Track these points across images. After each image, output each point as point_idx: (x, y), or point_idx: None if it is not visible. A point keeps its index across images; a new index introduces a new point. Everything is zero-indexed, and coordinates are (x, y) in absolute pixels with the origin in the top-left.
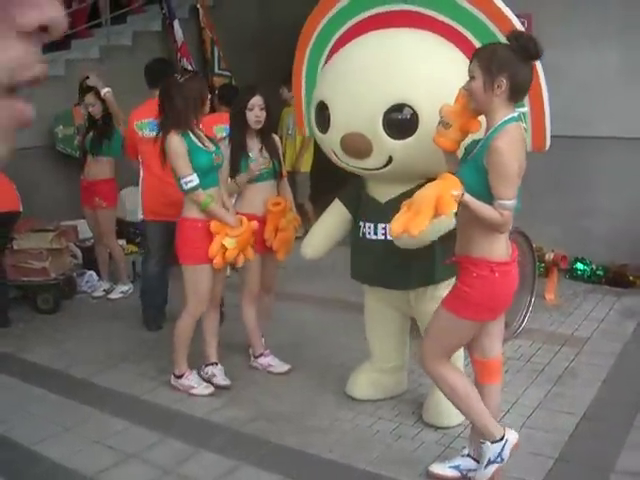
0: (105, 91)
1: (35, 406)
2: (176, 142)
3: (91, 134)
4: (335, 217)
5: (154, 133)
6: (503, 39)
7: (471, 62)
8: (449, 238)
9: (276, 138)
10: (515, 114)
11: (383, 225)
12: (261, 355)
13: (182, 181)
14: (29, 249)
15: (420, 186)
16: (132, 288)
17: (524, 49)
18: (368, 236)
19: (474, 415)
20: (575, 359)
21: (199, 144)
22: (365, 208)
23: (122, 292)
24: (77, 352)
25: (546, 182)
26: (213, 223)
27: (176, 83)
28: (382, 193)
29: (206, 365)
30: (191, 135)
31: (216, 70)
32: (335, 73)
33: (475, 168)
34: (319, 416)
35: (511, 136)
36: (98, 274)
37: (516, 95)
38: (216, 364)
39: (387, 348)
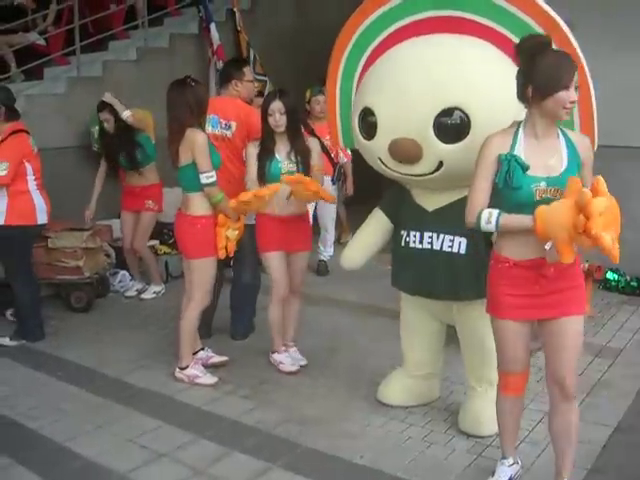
0: (127, 115)
1: (68, 404)
2: (203, 138)
3: (122, 154)
4: (375, 227)
5: (216, 129)
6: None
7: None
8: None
9: (313, 142)
10: None
11: (429, 234)
12: (276, 352)
13: (204, 175)
14: (63, 248)
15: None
16: (164, 289)
17: None
18: (413, 245)
19: None
20: (609, 370)
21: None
22: (409, 216)
23: (155, 292)
24: (110, 351)
25: None
26: (220, 216)
27: (189, 85)
28: (429, 201)
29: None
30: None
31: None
32: (379, 78)
33: (577, 166)
34: (350, 421)
35: None
36: (131, 274)
37: None
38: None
39: (422, 355)
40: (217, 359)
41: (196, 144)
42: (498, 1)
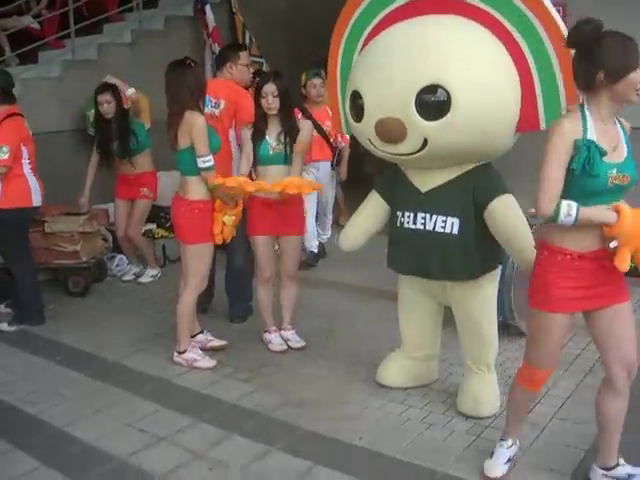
0: (131, 92)
1: (67, 388)
2: (202, 121)
3: (116, 142)
4: (372, 209)
5: (207, 108)
6: (539, 26)
7: None
8: (492, 236)
9: (305, 124)
10: None
11: (423, 215)
12: (266, 331)
13: (201, 159)
14: (61, 232)
15: (460, 177)
16: (161, 272)
17: None
18: (407, 225)
19: None
20: None
21: (213, 127)
22: (404, 197)
23: (152, 276)
24: (108, 335)
25: None
26: (217, 202)
27: (189, 66)
28: (422, 182)
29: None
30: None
31: None
32: (366, 61)
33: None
34: (349, 403)
35: None
36: (128, 258)
37: None
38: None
39: (420, 336)
40: (216, 343)
41: (194, 127)
42: None
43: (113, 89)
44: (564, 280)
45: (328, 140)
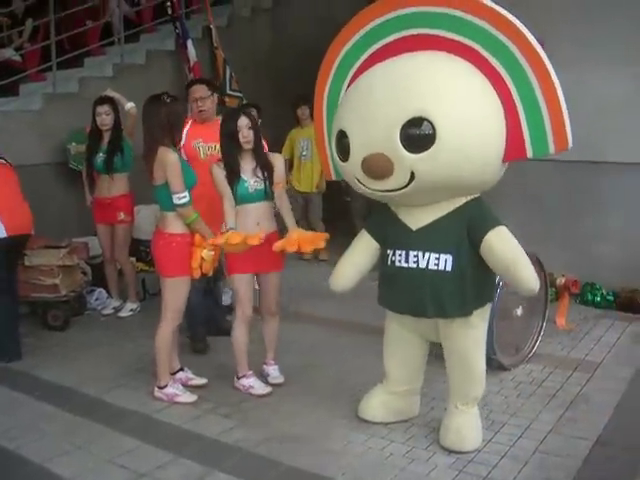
0: (130, 106)
1: (46, 423)
2: (174, 158)
3: (102, 154)
4: (362, 248)
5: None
6: (522, 59)
7: None
8: (484, 272)
9: (279, 158)
10: None
11: (415, 252)
12: (243, 377)
13: (177, 196)
14: (40, 265)
15: (451, 213)
16: (140, 307)
17: None
18: (398, 264)
19: None
20: (587, 384)
21: (185, 163)
22: (395, 236)
23: (131, 310)
24: (88, 370)
25: (559, 207)
26: (197, 236)
27: (164, 102)
28: (413, 220)
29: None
30: (178, 154)
31: (228, 90)
32: (351, 100)
33: None
34: (331, 438)
35: None
36: (107, 292)
37: None
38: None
39: (404, 372)
40: (197, 381)
41: (167, 164)
42: (470, 18)
43: (112, 102)
44: None
45: None
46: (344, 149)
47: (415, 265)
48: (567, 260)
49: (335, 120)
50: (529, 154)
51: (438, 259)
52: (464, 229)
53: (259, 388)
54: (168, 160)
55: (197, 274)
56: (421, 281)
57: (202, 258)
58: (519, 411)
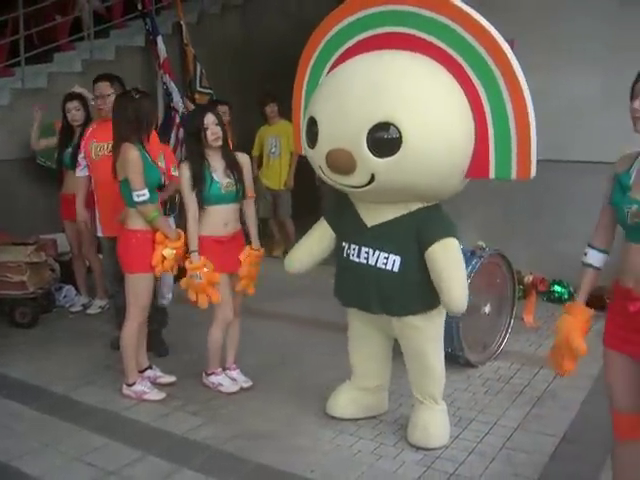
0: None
1: (14, 422)
2: (136, 156)
3: (70, 149)
4: (319, 235)
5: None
6: (496, 69)
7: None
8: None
9: (244, 157)
10: None
11: (366, 249)
12: (213, 374)
13: (135, 193)
14: (7, 262)
15: (405, 216)
16: (109, 303)
17: None
18: (352, 258)
19: None
20: (554, 381)
21: (152, 161)
22: (350, 229)
23: (100, 307)
24: (56, 368)
25: (525, 205)
26: (158, 234)
27: (132, 98)
28: (370, 217)
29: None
30: (144, 151)
31: (198, 87)
32: (325, 90)
33: None
34: (300, 435)
35: None
36: (76, 288)
37: None
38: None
39: (370, 368)
40: (165, 379)
41: (128, 161)
42: (443, 19)
43: (81, 98)
44: (610, 313)
45: None
46: (313, 136)
47: (365, 261)
48: (533, 258)
49: (310, 104)
50: (491, 175)
51: (387, 259)
52: (414, 234)
53: (228, 386)
54: (129, 157)
55: (158, 272)
56: (368, 277)
57: (163, 256)
58: (486, 408)
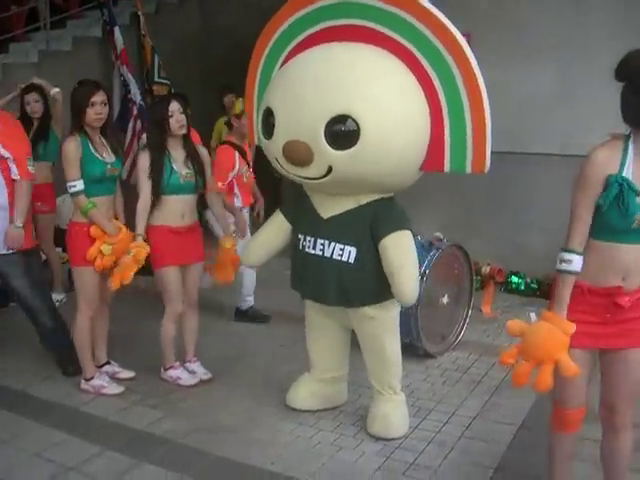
0: (56, 91)
1: None
2: (70, 147)
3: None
4: (275, 227)
5: None
6: (452, 62)
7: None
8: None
9: (203, 150)
10: None
11: (322, 241)
12: (171, 367)
13: (67, 184)
14: None
15: (360, 208)
16: (66, 297)
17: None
18: (307, 250)
19: None
20: (511, 370)
21: (95, 153)
22: (306, 221)
23: (57, 301)
24: (12, 363)
25: (483, 197)
26: (93, 228)
27: (74, 88)
28: (325, 208)
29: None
30: (89, 142)
31: (156, 78)
32: (283, 81)
33: None
34: (260, 428)
35: None
36: None
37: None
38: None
39: (328, 359)
40: (124, 374)
41: (62, 152)
42: (400, 12)
43: (39, 89)
44: (577, 313)
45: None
46: (269, 127)
47: (321, 253)
48: (492, 250)
49: (265, 94)
50: (446, 168)
51: (342, 250)
52: (368, 225)
53: (187, 379)
54: (63, 148)
55: (98, 267)
56: (325, 269)
57: (100, 252)
58: (445, 398)
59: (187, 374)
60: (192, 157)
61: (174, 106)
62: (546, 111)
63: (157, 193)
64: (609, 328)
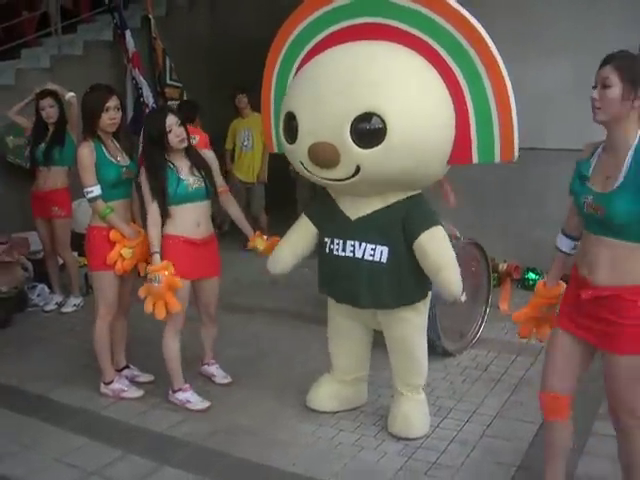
0: (70, 95)
1: None
2: (84, 153)
3: (43, 145)
4: (302, 232)
5: None
6: (474, 54)
7: (604, 68)
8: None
9: (209, 153)
10: None
11: (352, 242)
12: (179, 390)
13: (84, 190)
14: None
15: (389, 207)
16: (83, 301)
17: None
18: (336, 252)
19: None
20: (531, 368)
21: (109, 157)
22: (333, 224)
23: (75, 305)
24: (31, 367)
25: (498, 193)
26: (112, 232)
27: (85, 93)
28: (352, 210)
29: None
30: (103, 147)
31: (168, 81)
32: (304, 83)
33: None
34: (280, 429)
35: None
36: (49, 287)
37: None
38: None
39: (350, 360)
40: (143, 378)
41: (77, 158)
42: (420, 8)
43: (54, 95)
44: (565, 296)
45: None
46: (292, 131)
47: (352, 255)
48: (507, 246)
49: (285, 99)
50: (475, 159)
51: (374, 250)
52: (400, 224)
53: (197, 403)
54: (78, 153)
55: (118, 271)
56: (357, 271)
57: (121, 255)
58: (465, 396)
59: (197, 397)
60: (197, 164)
61: (171, 120)
62: (561, 107)
63: (165, 210)
64: (584, 320)
